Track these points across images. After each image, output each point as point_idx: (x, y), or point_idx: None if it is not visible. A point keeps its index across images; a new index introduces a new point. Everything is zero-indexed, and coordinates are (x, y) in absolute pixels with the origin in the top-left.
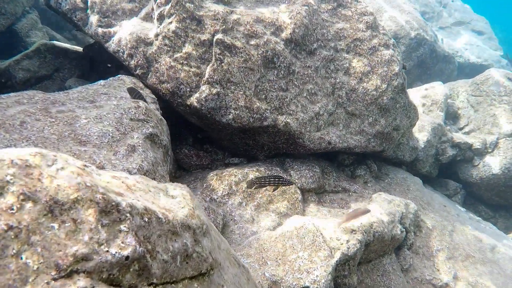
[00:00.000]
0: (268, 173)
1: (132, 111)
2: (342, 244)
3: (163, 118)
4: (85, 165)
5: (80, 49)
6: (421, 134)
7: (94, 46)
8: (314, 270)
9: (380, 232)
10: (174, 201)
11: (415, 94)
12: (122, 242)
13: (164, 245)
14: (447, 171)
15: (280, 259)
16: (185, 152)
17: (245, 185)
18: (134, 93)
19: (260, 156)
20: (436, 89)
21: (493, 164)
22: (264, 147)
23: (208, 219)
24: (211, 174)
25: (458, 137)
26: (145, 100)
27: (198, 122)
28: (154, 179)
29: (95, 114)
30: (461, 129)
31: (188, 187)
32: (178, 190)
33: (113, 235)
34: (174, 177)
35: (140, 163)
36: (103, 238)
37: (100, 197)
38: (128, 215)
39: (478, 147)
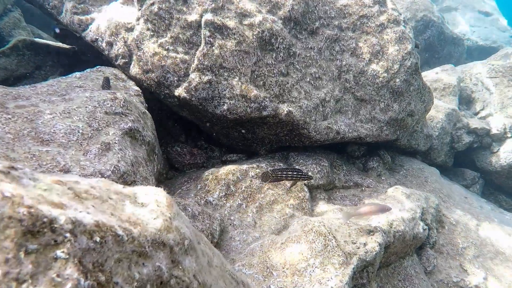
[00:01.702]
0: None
1: (108, 104)
2: (358, 248)
3: (147, 112)
4: (12, 168)
5: (63, 45)
6: (434, 120)
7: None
8: (328, 280)
9: (401, 231)
10: (144, 210)
11: (425, 79)
12: (58, 276)
13: (126, 272)
14: (463, 160)
15: (287, 269)
16: (177, 150)
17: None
18: (105, 83)
19: (261, 151)
20: (448, 72)
21: None
22: (265, 140)
23: (194, 230)
24: (206, 174)
25: (475, 122)
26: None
27: (189, 115)
28: (134, 181)
29: (62, 109)
30: (476, 114)
31: (181, 188)
32: (151, 196)
33: (43, 266)
34: (166, 178)
35: (116, 163)
36: (26, 272)
37: (25, 212)
38: (68, 235)
39: (497, 132)
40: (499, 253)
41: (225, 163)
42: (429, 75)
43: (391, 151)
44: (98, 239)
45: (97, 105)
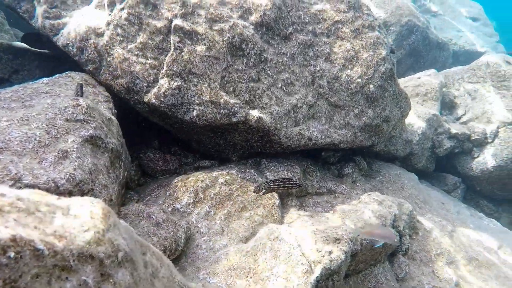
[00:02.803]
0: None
1: (69, 111)
2: (323, 256)
3: (113, 118)
4: None
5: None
6: (415, 126)
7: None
8: None
9: (369, 239)
10: (76, 222)
11: (408, 84)
12: None
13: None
14: (445, 165)
15: (251, 278)
16: (149, 157)
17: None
18: (77, 90)
19: (233, 157)
20: (430, 77)
21: (494, 155)
22: (237, 146)
23: (140, 240)
24: (176, 180)
25: (456, 127)
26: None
27: (160, 121)
28: (91, 189)
29: (20, 115)
30: (458, 119)
31: (151, 195)
32: (87, 207)
33: None
34: (138, 184)
35: (72, 171)
36: None
37: None
38: None
39: (478, 137)
40: (473, 259)
41: (198, 169)
42: (411, 80)
43: (369, 157)
44: (12, 254)
45: (57, 112)
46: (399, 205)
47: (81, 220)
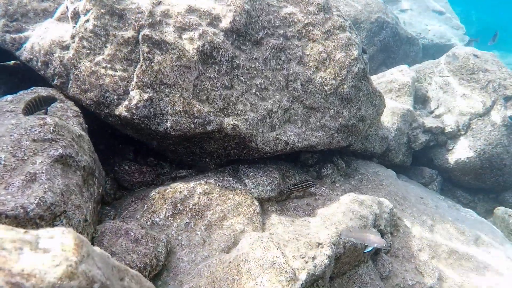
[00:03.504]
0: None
1: (36, 130)
2: (307, 262)
3: (83, 134)
4: None
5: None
6: (390, 122)
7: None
8: None
9: (352, 241)
10: (46, 257)
11: (381, 80)
12: None
13: None
14: (422, 158)
15: None
16: (125, 169)
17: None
18: (30, 106)
19: (211, 166)
20: (403, 73)
21: (467, 146)
22: (214, 155)
23: (118, 266)
24: (153, 193)
25: (430, 121)
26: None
27: (134, 134)
28: (64, 211)
29: None
30: (431, 112)
31: (128, 209)
32: (57, 239)
33: None
34: (114, 199)
35: (42, 195)
36: None
37: None
38: None
39: (451, 130)
40: (453, 252)
41: (175, 179)
42: (384, 76)
43: (346, 156)
44: None
45: (23, 133)
46: (379, 204)
47: (51, 254)
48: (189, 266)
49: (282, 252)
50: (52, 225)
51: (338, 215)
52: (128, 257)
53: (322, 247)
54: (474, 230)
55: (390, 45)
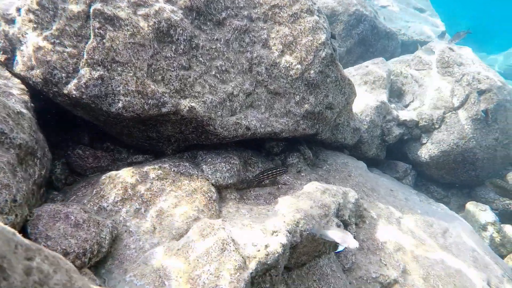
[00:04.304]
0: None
1: None
2: (259, 250)
3: (24, 112)
4: None
5: None
6: (363, 114)
7: None
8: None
9: (310, 230)
10: None
11: (357, 72)
12: None
13: None
14: (397, 152)
15: (181, 277)
16: (78, 154)
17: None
18: None
19: (168, 151)
20: (378, 66)
21: (441, 140)
22: (171, 139)
23: (18, 245)
24: (103, 177)
25: (404, 114)
26: None
27: (85, 115)
28: None
29: None
30: (406, 106)
31: (77, 194)
32: None
33: None
34: (65, 184)
35: None
36: None
37: None
38: None
39: (425, 123)
40: (419, 244)
41: (131, 165)
42: (360, 69)
43: (316, 146)
44: None
45: None
46: (344, 194)
47: None
48: (136, 254)
49: (233, 240)
50: None
51: (298, 203)
52: (65, 242)
53: (277, 235)
54: (443, 224)
55: (368, 39)
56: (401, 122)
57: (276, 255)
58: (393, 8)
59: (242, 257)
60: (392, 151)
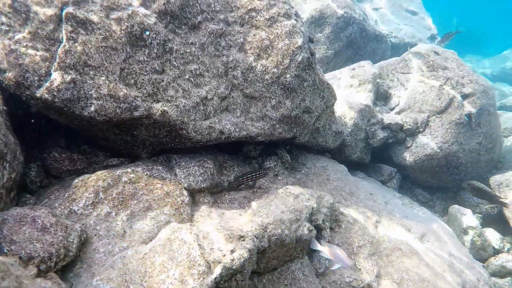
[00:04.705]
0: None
1: None
2: (224, 255)
3: None
4: None
5: None
6: (347, 117)
7: None
8: None
9: (278, 235)
10: None
11: (344, 74)
12: None
13: None
14: (383, 155)
15: (146, 282)
16: (54, 156)
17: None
18: None
19: (143, 154)
20: (364, 69)
21: (425, 144)
22: (146, 143)
23: None
24: (76, 181)
25: (389, 117)
26: None
27: (59, 118)
28: None
29: None
30: (392, 109)
31: (49, 198)
32: None
33: None
34: (40, 187)
35: None
36: None
37: None
38: None
39: (409, 127)
40: (395, 249)
41: (107, 168)
42: (345, 72)
43: (297, 149)
44: None
45: None
46: (319, 198)
47: None
48: (105, 258)
49: (199, 244)
50: None
51: (270, 208)
52: (30, 246)
53: (244, 240)
54: (422, 228)
55: (357, 41)
56: (385, 125)
57: (242, 260)
58: (385, 11)
59: (207, 262)
60: (377, 154)
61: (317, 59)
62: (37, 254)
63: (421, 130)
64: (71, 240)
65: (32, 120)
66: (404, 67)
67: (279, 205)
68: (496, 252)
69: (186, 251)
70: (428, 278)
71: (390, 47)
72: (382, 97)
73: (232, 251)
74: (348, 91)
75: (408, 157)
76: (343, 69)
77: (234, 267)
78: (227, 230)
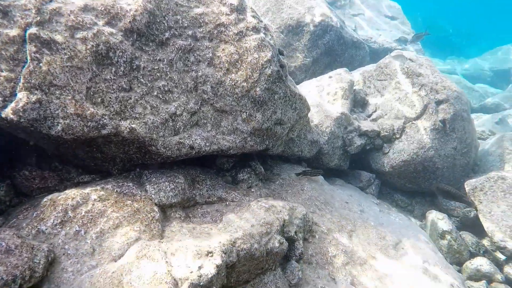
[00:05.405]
0: (117, 190)
1: None
2: (192, 272)
3: None
4: None
5: None
6: (324, 126)
7: None
8: None
9: (247, 249)
10: None
11: (319, 83)
12: None
13: None
14: (362, 162)
15: None
16: (25, 175)
17: (85, 210)
18: None
19: (114, 171)
20: (341, 76)
21: (401, 150)
22: (116, 159)
23: None
24: (45, 200)
25: (366, 125)
26: None
27: (27, 137)
28: None
29: None
30: (369, 115)
31: (18, 217)
32: None
33: None
34: (10, 206)
35: None
36: None
37: None
38: None
39: (386, 133)
40: (369, 257)
41: (78, 185)
42: (322, 80)
43: (272, 160)
44: None
45: None
46: (291, 210)
47: None
48: (73, 277)
49: (167, 262)
50: None
51: (240, 222)
52: None
53: (212, 255)
54: (397, 235)
55: (335, 49)
56: (362, 133)
57: (210, 276)
58: (365, 16)
59: (174, 279)
60: (357, 161)
61: (296, 67)
62: (1, 277)
63: (397, 136)
64: (37, 261)
65: (0, 139)
66: (380, 74)
67: (250, 218)
68: (472, 255)
69: (153, 269)
70: (403, 285)
71: (368, 53)
72: (359, 104)
73: (200, 267)
74: (325, 99)
75: (386, 163)
76: (320, 77)
77: (201, 283)
78: (195, 246)
